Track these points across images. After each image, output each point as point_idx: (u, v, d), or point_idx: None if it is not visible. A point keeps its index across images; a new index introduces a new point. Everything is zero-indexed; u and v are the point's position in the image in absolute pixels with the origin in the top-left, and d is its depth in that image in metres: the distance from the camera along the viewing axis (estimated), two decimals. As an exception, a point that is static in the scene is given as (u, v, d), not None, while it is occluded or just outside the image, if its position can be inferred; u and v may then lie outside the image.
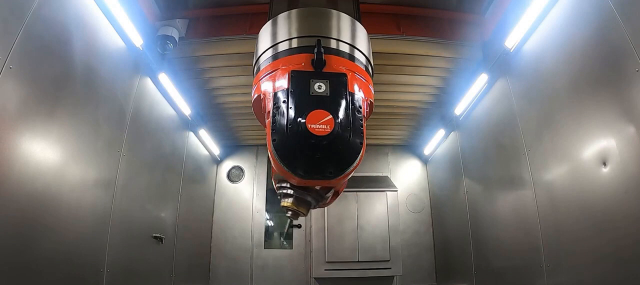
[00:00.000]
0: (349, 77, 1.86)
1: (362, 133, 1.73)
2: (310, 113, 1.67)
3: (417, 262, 6.00)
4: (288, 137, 1.66)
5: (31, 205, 2.17)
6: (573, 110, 2.67)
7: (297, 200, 1.96)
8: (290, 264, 6.00)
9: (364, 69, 2.10)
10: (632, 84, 2.11)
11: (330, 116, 1.66)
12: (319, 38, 1.91)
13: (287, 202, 1.98)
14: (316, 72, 1.84)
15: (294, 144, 1.65)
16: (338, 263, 5.39)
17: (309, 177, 1.67)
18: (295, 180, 1.76)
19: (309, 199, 1.97)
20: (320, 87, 1.78)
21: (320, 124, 1.65)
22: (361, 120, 1.75)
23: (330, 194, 2.11)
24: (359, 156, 1.68)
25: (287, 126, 1.67)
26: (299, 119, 1.66)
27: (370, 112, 2.09)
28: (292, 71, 1.84)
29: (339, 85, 1.81)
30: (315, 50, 1.85)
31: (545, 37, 3.03)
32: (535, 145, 3.20)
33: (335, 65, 1.93)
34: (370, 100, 2.01)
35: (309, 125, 1.64)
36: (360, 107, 1.79)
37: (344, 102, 1.75)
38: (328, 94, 1.77)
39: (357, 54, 2.09)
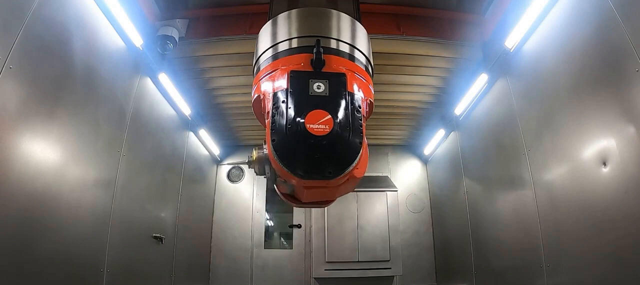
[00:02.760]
0: (348, 76, 1.86)
1: (362, 133, 1.73)
2: (310, 113, 1.67)
3: (417, 262, 6.00)
4: (287, 138, 1.66)
5: (31, 205, 2.17)
6: (573, 110, 2.67)
7: (259, 159, 1.96)
8: (290, 264, 6.00)
9: (364, 68, 2.10)
10: (632, 84, 2.11)
11: (329, 116, 1.66)
12: (318, 38, 1.91)
13: (255, 152, 1.99)
14: (315, 72, 1.84)
15: (293, 144, 1.65)
16: (338, 263, 5.39)
17: (308, 176, 1.67)
18: (294, 180, 1.75)
19: (267, 169, 1.95)
20: (319, 87, 1.78)
21: (319, 123, 1.65)
22: (361, 119, 1.75)
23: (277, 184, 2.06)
24: (359, 155, 1.68)
25: (286, 126, 1.67)
26: (298, 119, 1.66)
27: (370, 112, 2.09)
28: (291, 71, 1.84)
29: (338, 85, 1.81)
30: (315, 50, 1.85)
31: (545, 37, 3.03)
32: (535, 145, 3.20)
33: (334, 65, 1.93)
34: (370, 100, 2.01)
35: (308, 125, 1.64)
36: (360, 107, 1.79)
37: (343, 102, 1.76)
38: (327, 94, 1.77)
39: (357, 54, 2.09)
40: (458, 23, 3.94)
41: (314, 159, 1.65)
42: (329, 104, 1.73)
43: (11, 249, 2.01)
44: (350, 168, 1.67)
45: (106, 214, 2.98)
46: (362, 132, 1.73)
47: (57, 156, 2.44)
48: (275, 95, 1.79)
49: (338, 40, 2.05)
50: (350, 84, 1.84)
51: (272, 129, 1.70)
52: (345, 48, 2.05)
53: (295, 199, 2.22)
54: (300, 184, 1.80)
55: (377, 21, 3.76)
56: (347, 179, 1.78)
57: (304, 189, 1.90)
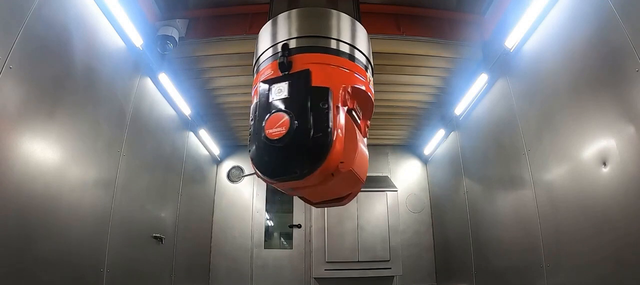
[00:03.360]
0: (315, 70, 1.83)
1: (327, 126, 1.66)
2: (269, 118, 1.71)
3: (417, 262, 6.00)
4: (255, 146, 1.73)
5: (31, 205, 2.17)
6: (573, 110, 2.67)
7: None
8: (290, 264, 6.01)
9: (340, 55, 2.01)
10: (632, 84, 2.11)
11: (286, 118, 1.67)
12: (286, 42, 1.94)
13: None
14: (283, 75, 1.86)
15: (260, 151, 1.71)
16: (338, 263, 5.39)
17: (280, 180, 1.70)
18: (279, 186, 1.80)
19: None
20: (280, 91, 1.81)
21: (276, 127, 1.67)
22: (327, 112, 1.69)
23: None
24: (330, 149, 1.63)
25: (254, 135, 1.76)
26: (262, 125, 1.72)
27: (365, 104, 2.02)
28: (261, 82, 1.91)
29: (299, 84, 1.79)
30: (279, 54, 1.89)
31: (545, 37, 3.03)
32: (535, 145, 3.20)
33: (299, 63, 1.89)
34: (352, 87, 1.91)
35: (267, 130, 1.68)
36: (328, 99, 1.73)
37: (304, 99, 1.74)
38: (287, 95, 1.78)
39: (334, 44, 2.02)
40: (458, 23, 3.93)
41: (278, 162, 1.68)
42: (290, 104, 1.74)
43: (11, 249, 2.01)
44: (321, 164, 1.62)
45: (106, 214, 2.98)
46: (327, 125, 1.66)
47: (57, 156, 2.44)
48: (253, 107, 1.90)
49: (308, 36, 2.02)
50: (315, 77, 1.80)
51: (249, 140, 1.81)
52: (318, 42, 2.01)
53: (309, 200, 2.23)
54: (277, 186, 1.82)
55: (377, 21, 3.76)
56: (332, 174, 1.72)
57: (294, 190, 1.90)
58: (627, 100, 2.17)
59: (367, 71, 2.11)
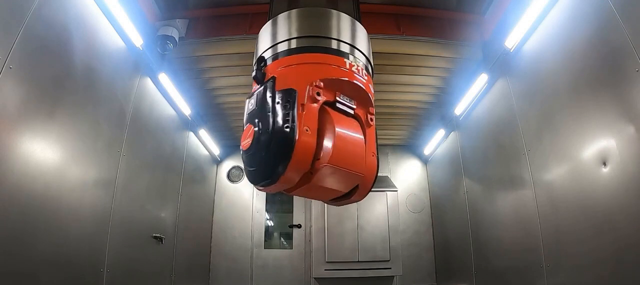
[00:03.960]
0: (280, 74, 1.84)
1: (289, 126, 1.66)
2: (244, 132, 1.82)
3: (417, 262, 6.00)
4: (243, 159, 1.87)
5: (31, 205, 2.17)
6: (573, 110, 2.67)
7: None
8: (290, 263, 6.01)
9: (309, 51, 1.95)
10: (632, 84, 2.11)
11: (253, 128, 1.76)
12: (262, 56, 2.00)
13: None
14: (257, 88, 1.92)
15: (244, 162, 1.86)
16: (338, 263, 5.39)
17: (262, 185, 1.77)
18: (268, 190, 1.88)
19: None
20: (251, 104, 1.88)
21: (246, 139, 1.77)
22: (288, 112, 1.69)
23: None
24: (294, 146, 1.63)
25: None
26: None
27: (346, 87, 1.95)
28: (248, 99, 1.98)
29: (264, 92, 1.83)
30: (255, 68, 1.95)
31: (545, 37, 3.03)
32: (535, 145, 3.20)
33: (271, 71, 1.91)
34: (324, 80, 1.82)
35: (241, 142, 1.81)
36: (291, 99, 1.72)
37: (267, 106, 1.77)
38: (255, 106, 1.84)
39: (304, 42, 1.98)
40: (458, 23, 3.94)
41: (256, 169, 1.76)
42: (257, 114, 1.80)
43: (11, 249, 2.01)
44: (288, 164, 1.62)
45: (106, 214, 2.98)
46: (288, 125, 1.66)
47: (57, 156, 2.44)
48: None
49: (292, 39, 2.01)
50: (281, 81, 1.80)
51: None
52: (295, 43, 2.00)
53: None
54: (268, 190, 1.88)
55: (377, 21, 3.76)
56: (311, 172, 1.72)
57: (289, 191, 1.91)
58: (627, 100, 2.17)
59: (344, 57, 1.98)
